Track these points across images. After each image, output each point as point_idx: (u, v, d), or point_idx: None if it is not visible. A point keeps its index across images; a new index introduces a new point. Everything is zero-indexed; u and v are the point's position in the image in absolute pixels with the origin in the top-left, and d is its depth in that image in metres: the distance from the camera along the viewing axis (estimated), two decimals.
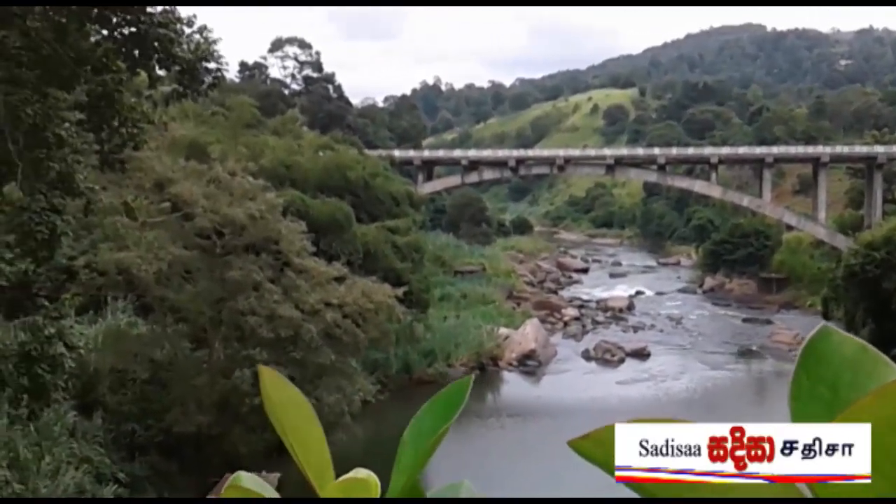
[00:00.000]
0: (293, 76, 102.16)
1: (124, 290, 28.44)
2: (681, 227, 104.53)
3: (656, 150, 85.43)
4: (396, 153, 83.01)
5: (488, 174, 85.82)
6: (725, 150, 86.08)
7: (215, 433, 26.37)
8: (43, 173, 18.05)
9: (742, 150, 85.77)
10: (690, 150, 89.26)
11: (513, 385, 46.94)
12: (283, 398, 1.17)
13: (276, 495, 1.15)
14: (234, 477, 1.15)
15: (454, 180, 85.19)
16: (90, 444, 23.27)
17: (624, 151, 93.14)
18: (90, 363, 25.73)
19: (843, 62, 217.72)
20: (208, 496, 24.14)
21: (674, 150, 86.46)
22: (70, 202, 20.14)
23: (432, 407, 1.23)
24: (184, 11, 19.84)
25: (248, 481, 1.15)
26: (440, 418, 1.20)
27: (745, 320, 64.59)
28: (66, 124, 18.48)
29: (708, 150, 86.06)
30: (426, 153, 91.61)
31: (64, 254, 22.86)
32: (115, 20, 19.12)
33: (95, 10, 17.98)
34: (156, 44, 19.27)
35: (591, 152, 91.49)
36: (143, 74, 22.42)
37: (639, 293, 76.08)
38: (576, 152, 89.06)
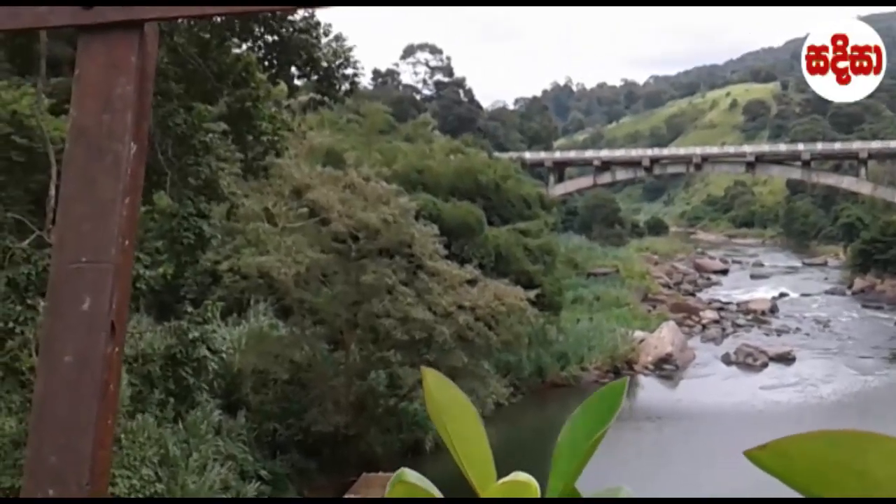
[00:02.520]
0: (424, 81, 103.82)
1: (265, 292, 29.52)
2: (827, 225, 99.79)
3: (800, 146, 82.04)
4: (527, 155, 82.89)
5: (621, 174, 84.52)
6: (876, 145, 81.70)
7: (352, 433, 26.97)
8: (190, 179, 18.98)
9: (894, 144, 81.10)
10: (837, 146, 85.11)
11: (650, 389, 45.84)
12: (446, 399, 1.19)
13: (438, 492, 1.18)
14: (399, 472, 1.18)
15: (586, 181, 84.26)
16: (234, 441, 24.19)
17: (765, 148, 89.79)
18: (234, 364, 26.80)
19: None
20: (346, 495, 24.72)
21: (819, 146, 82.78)
22: (214, 208, 21.11)
23: (586, 410, 1.19)
24: (319, 21, 20.48)
25: (412, 477, 1.19)
26: (595, 422, 1.17)
27: None
28: (210, 134, 19.36)
29: (856, 145, 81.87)
30: (557, 154, 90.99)
31: (209, 258, 23.94)
32: (258, 30, 19.92)
33: (239, 23, 18.75)
34: (300, 51, 19.97)
35: (730, 150, 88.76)
36: (283, 85, 23.26)
37: (782, 295, 73.03)
38: (714, 150, 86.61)
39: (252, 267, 26.44)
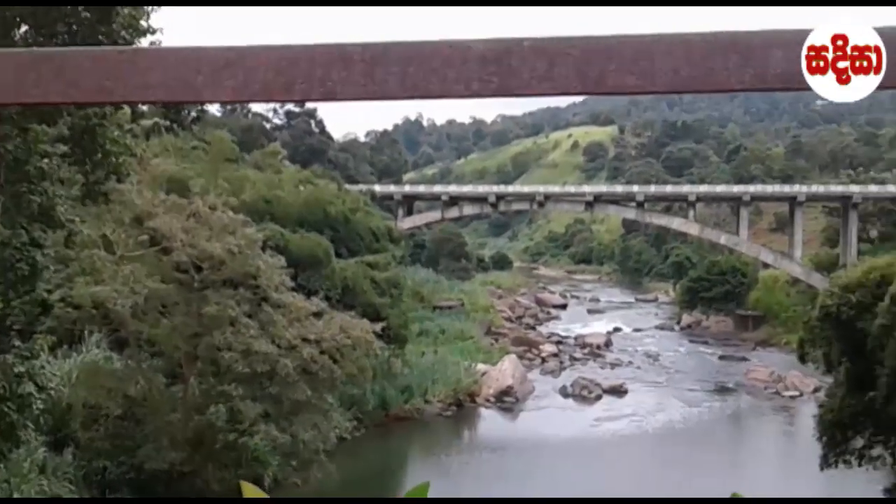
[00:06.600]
0: (275, 111, 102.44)
1: (100, 324, 28.25)
2: (659, 263, 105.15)
3: (635, 188, 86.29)
4: (377, 188, 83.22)
5: (468, 210, 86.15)
6: (703, 188, 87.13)
7: (188, 470, 26.09)
8: (24, 207, 17.98)
9: (720, 189, 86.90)
10: (669, 188, 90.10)
11: (491, 421, 46.83)
12: None
13: None
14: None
15: (434, 215, 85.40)
16: (60, 480, 22.97)
17: (603, 188, 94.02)
18: (63, 399, 25.45)
19: (819, 102, 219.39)
20: None
21: (652, 188, 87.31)
22: (50, 234, 20.07)
23: None
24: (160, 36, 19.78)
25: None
26: None
27: (721, 357, 64.86)
28: (47, 159, 18.45)
29: (686, 188, 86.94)
30: (407, 188, 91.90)
31: (39, 287, 22.68)
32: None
33: (80, 42, 18.03)
34: None
35: (571, 189, 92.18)
36: (126, 109, 22.47)
37: (616, 330, 76.25)
38: (555, 189, 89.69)
39: (86, 297, 25.28)
